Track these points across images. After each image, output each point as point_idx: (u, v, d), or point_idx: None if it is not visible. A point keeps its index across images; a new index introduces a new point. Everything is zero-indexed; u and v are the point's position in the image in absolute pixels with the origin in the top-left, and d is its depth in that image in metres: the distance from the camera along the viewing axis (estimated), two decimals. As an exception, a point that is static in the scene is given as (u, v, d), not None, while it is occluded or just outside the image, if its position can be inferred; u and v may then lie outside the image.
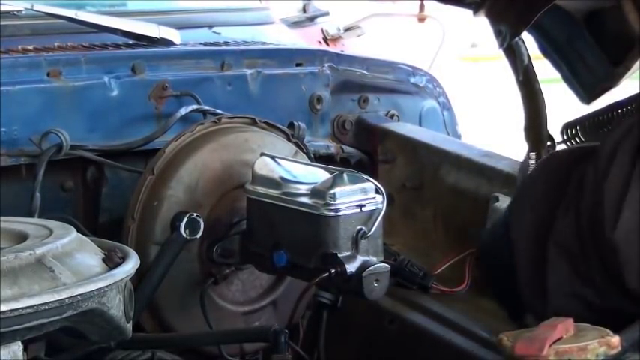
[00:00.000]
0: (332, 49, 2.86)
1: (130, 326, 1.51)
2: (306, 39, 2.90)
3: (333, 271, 1.86)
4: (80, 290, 1.35)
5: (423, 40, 3.57)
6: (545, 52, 2.55)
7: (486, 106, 8.49)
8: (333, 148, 2.50)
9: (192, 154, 2.10)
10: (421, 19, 3.22)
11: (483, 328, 1.99)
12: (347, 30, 3.02)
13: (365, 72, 2.59)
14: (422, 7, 3.18)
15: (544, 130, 2.53)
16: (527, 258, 1.43)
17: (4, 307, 1.27)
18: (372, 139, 2.54)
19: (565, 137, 2.58)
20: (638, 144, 1.31)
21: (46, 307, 1.31)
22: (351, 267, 1.87)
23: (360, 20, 3.07)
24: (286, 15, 2.97)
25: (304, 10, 3.04)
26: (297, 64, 2.47)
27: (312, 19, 3.03)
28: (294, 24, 2.95)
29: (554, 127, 2.56)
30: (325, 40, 2.97)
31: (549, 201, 1.43)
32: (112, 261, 1.48)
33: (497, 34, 2.26)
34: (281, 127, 2.25)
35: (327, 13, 3.07)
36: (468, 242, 2.20)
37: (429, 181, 2.43)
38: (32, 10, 2.32)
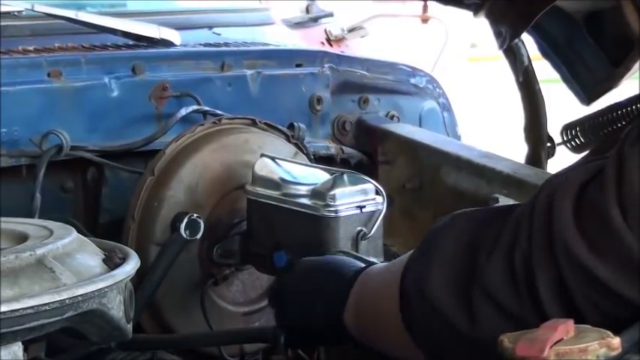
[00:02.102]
0: (332, 49, 2.86)
1: (130, 327, 1.51)
2: (309, 40, 2.90)
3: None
4: (81, 291, 1.35)
5: (428, 41, 3.58)
6: (545, 53, 2.55)
7: (487, 106, 8.51)
8: (333, 148, 2.50)
9: (193, 154, 2.10)
10: (424, 20, 3.23)
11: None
12: (351, 31, 3.02)
13: (365, 73, 2.59)
14: (425, 7, 3.18)
15: (544, 131, 2.54)
16: (454, 310, 1.41)
17: (5, 308, 1.27)
18: (372, 139, 2.54)
19: (565, 138, 2.58)
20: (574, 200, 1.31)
21: (47, 307, 1.31)
22: (352, 268, 1.87)
23: (363, 21, 3.07)
24: (289, 16, 2.97)
25: (307, 10, 3.04)
26: (297, 65, 2.48)
27: (315, 19, 3.02)
28: (297, 25, 2.95)
29: (555, 128, 2.57)
30: (329, 40, 2.97)
31: (463, 259, 1.41)
32: (112, 262, 1.48)
33: (497, 35, 2.26)
34: (281, 127, 2.25)
35: (330, 14, 3.07)
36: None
37: (429, 182, 2.43)
38: (32, 10, 2.32)
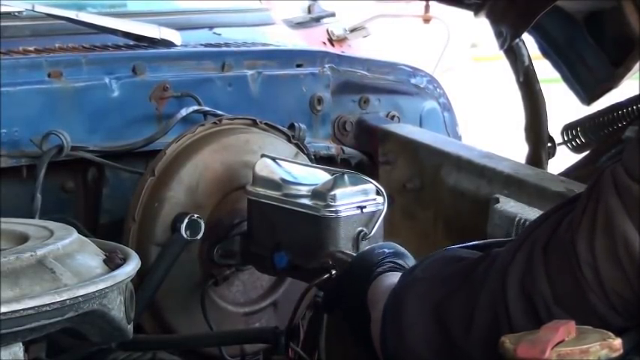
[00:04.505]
0: (334, 50, 2.86)
1: (130, 327, 1.51)
2: (310, 40, 2.89)
3: (333, 272, 1.86)
4: (81, 291, 1.35)
5: (430, 41, 3.58)
6: (546, 53, 2.55)
7: (491, 106, 8.50)
8: (333, 149, 2.50)
9: (193, 155, 2.10)
10: (426, 20, 3.23)
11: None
12: (352, 31, 3.01)
13: (365, 73, 2.58)
14: (427, 7, 3.18)
15: (544, 131, 2.54)
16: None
17: (5, 309, 1.27)
18: (372, 140, 2.54)
19: (565, 138, 2.58)
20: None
21: (47, 308, 1.31)
22: (352, 268, 1.87)
23: (365, 21, 3.07)
24: (291, 16, 2.96)
25: (309, 10, 3.04)
26: (298, 65, 2.47)
27: (317, 19, 3.02)
28: (299, 25, 2.95)
29: (555, 128, 2.57)
30: (330, 40, 2.96)
31: (435, 327, 1.46)
32: (112, 262, 1.48)
33: (498, 35, 2.26)
34: (282, 128, 2.25)
35: (332, 14, 3.06)
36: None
37: (429, 182, 2.43)
38: (33, 11, 2.32)
